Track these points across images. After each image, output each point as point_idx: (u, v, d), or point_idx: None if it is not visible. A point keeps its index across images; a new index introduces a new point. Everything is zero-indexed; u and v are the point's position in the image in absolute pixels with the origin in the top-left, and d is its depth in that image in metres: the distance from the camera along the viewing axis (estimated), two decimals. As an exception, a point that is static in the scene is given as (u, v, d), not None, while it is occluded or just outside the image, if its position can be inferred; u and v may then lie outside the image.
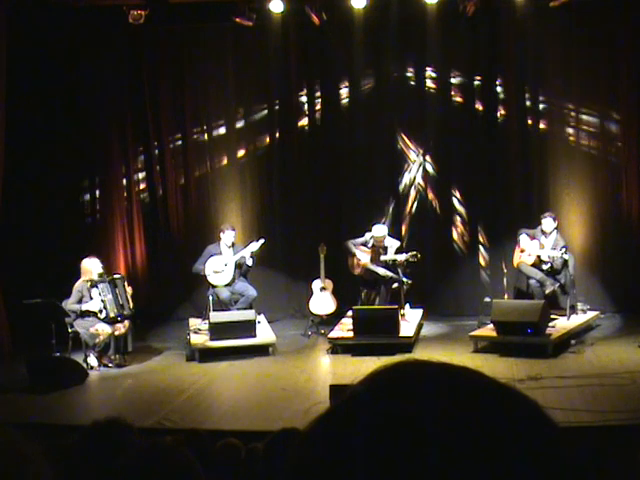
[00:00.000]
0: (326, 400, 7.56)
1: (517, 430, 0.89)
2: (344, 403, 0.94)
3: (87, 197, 14.19)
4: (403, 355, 10.79)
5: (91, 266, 11.19)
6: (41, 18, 12.54)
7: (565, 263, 11.83)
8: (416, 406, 0.88)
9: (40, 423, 8.39)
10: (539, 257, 11.91)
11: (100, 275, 11.20)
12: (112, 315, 11.02)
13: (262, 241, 12.46)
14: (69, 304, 10.97)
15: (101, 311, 10.96)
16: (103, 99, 13.79)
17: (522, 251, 12.08)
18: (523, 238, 12.06)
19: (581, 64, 13.11)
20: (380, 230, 12.36)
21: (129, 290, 11.54)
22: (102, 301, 11.00)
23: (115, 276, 11.48)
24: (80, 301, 11.02)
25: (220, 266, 12.28)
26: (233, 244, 12.44)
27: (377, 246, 12.30)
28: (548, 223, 12.00)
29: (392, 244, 12.34)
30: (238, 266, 12.35)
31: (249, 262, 12.34)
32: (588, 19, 12.90)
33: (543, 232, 12.02)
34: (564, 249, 11.73)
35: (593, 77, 13.11)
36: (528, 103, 13.43)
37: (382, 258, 12.21)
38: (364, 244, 12.33)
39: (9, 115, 12.12)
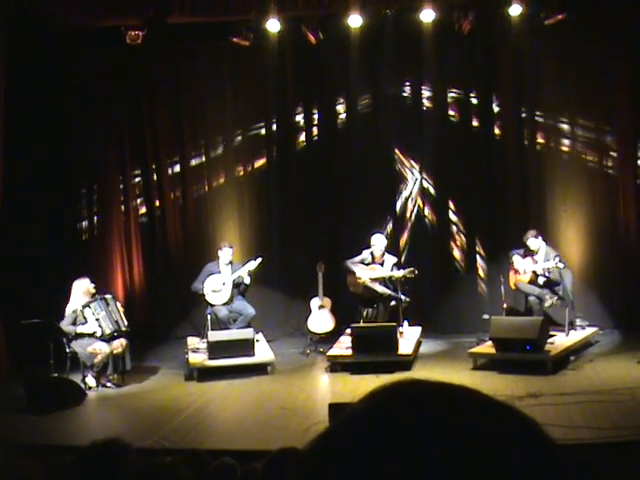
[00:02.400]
0: (325, 419, 7.54)
1: (516, 448, 0.89)
2: (343, 423, 0.94)
3: (85, 216, 14.19)
4: (402, 373, 10.79)
5: (83, 286, 11.20)
6: (40, 37, 12.57)
7: (561, 273, 11.82)
8: (415, 426, 0.89)
9: (38, 444, 8.35)
10: (534, 272, 11.92)
11: (92, 295, 11.21)
12: (108, 332, 11.01)
13: (260, 259, 12.47)
14: (63, 327, 10.96)
15: (96, 332, 10.96)
16: (101, 118, 13.84)
17: (516, 272, 12.09)
18: (516, 259, 12.08)
19: (576, 80, 13.18)
20: (379, 239, 12.36)
21: (120, 308, 11.54)
22: (96, 319, 11.00)
23: (106, 296, 11.46)
24: (74, 323, 11.01)
25: (218, 285, 12.29)
26: (231, 262, 12.47)
27: (376, 259, 12.29)
28: (533, 242, 11.99)
29: (390, 260, 12.34)
30: (236, 285, 12.36)
31: (247, 280, 12.36)
32: (583, 36, 12.96)
33: (531, 251, 12.03)
34: (557, 257, 11.74)
35: (588, 93, 13.17)
36: (524, 119, 13.48)
37: (380, 274, 12.20)
38: (362, 262, 12.33)
39: (6, 132, 12.14)
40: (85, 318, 11.03)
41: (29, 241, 13.12)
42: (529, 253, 12.03)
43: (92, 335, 10.97)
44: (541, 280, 11.89)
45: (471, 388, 0.98)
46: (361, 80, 13.74)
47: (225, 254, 12.47)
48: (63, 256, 13.30)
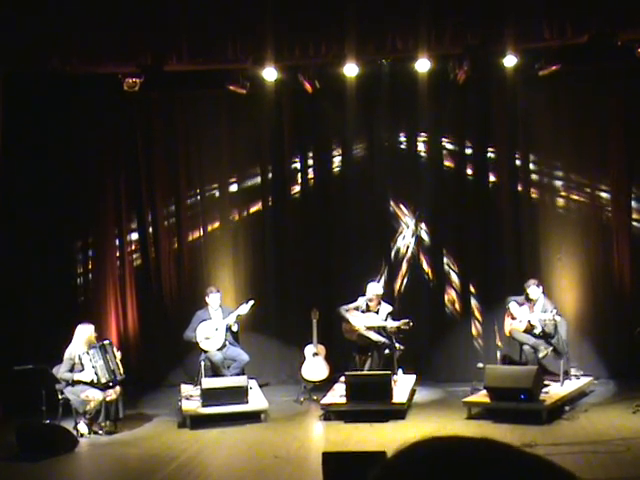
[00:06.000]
0: (319, 468, 7.48)
1: None
2: (383, 475, 0.95)
3: (80, 262, 14.16)
4: (396, 422, 10.78)
5: (86, 333, 11.16)
6: (38, 84, 12.65)
7: (557, 325, 11.82)
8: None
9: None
10: (530, 322, 11.91)
11: (92, 341, 11.17)
12: (104, 381, 10.95)
13: (252, 302, 12.50)
14: (60, 372, 10.91)
15: (92, 379, 10.90)
16: (97, 164, 13.88)
17: (513, 318, 12.08)
18: (513, 305, 12.08)
19: (570, 130, 13.29)
20: (375, 288, 12.36)
21: (118, 355, 11.50)
22: (93, 367, 10.93)
23: (104, 342, 11.43)
24: (72, 369, 10.96)
25: (211, 331, 12.27)
26: (220, 306, 12.49)
27: (370, 308, 12.28)
28: (534, 291, 12.01)
29: (385, 309, 12.33)
30: (229, 328, 12.36)
31: (234, 328, 12.37)
32: (577, 86, 13.10)
33: (530, 299, 12.04)
34: (555, 310, 11.74)
35: (582, 142, 13.28)
36: (519, 168, 13.55)
37: (375, 323, 12.18)
38: (356, 309, 12.32)
39: (3, 181, 12.17)
40: (83, 365, 10.97)
41: (23, 286, 13.10)
42: (527, 301, 12.03)
43: (88, 383, 10.91)
44: (537, 330, 11.88)
45: (507, 444, 0.99)
46: (357, 129, 13.84)
47: (213, 299, 12.50)
48: (57, 301, 13.27)
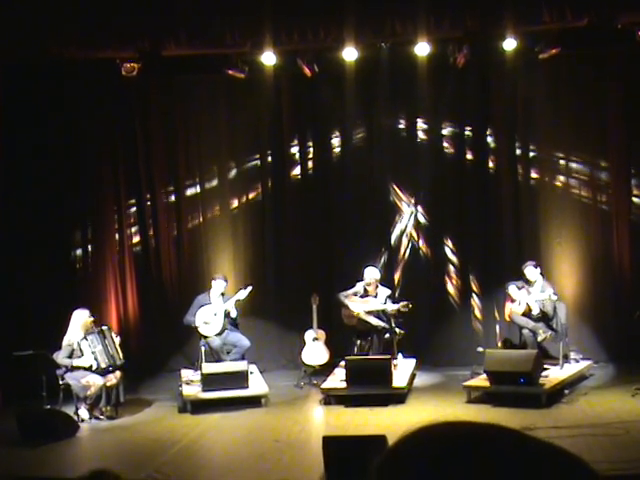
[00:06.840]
0: (319, 452, 7.50)
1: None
2: (387, 458, 0.95)
3: (79, 248, 14.12)
4: (396, 406, 10.79)
5: (82, 319, 11.15)
6: (36, 69, 12.62)
7: (555, 306, 11.85)
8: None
9: (31, 477, 8.30)
10: (528, 304, 11.92)
11: (89, 326, 11.17)
12: (103, 366, 10.97)
13: (250, 288, 12.52)
14: (60, 358, 10.92)
15: (92, 365, 10.91)
16: (96, 151, 13.83)
17: (512, 301, 12.10)
18: (512, 289, 12.10)
19: (571, 114, 13.26)
20: (372, 272, 12.37)
21: (117, 340, 11.50)
22: (92, 352, 10.94)
23: (103, 327, 11.43)
24: (71, 355, 10.97)
25: (209, 316, 12.28)
26: (223, 294, 12.48)
27: (369, 292, 12.29)
28: (531, 272, 12.05)
29: (383, 292, 12.34)
30: (227, 314, 12.37)
31: (233, 314, 12.37)
32: (577, 70, 13.07)
33: (528, 282, 12.06)
34: (552, 290, 11.77)
35: (583, 127, 13.25)
36: (518, 153, 13.53)
37: (374, 307, 12.19)
38: (355, 294, 12.32)
39: (1, 165, 12.16)
40: (82, 351, 10.98)
41: (22, 271, 13.09)
42: (526, 284, 12.05)
43: (87, 368, 10.92)
44: (535, 312, 11.89)
45: (514, 429, 1.00)
46: (356, 113, 13.80)
47: (218, 285, 12.50)
48: (57, 287, 13.26)
